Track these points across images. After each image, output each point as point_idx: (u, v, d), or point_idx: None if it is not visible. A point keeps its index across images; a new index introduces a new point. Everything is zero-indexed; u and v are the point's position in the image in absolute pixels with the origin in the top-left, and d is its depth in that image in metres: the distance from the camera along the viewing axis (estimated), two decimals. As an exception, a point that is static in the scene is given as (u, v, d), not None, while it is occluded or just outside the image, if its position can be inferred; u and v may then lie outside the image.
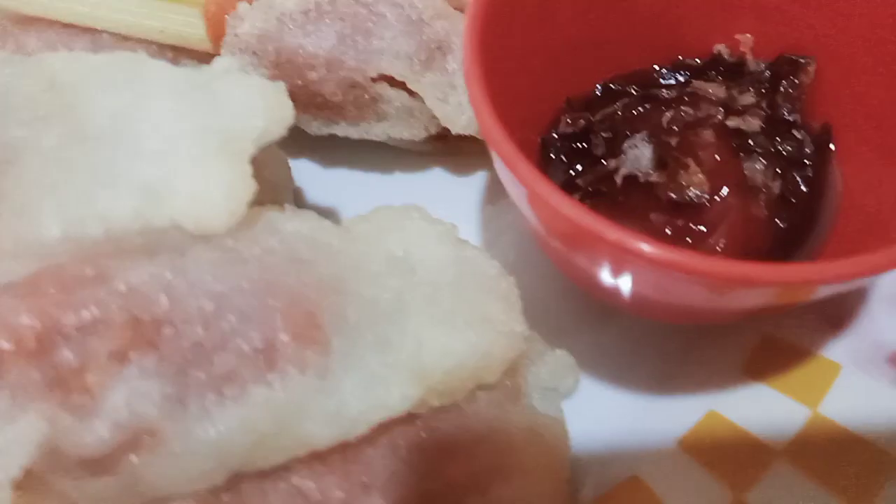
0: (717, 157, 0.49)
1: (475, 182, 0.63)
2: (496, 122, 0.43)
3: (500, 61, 0.48)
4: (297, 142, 0.61)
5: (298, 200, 0.63)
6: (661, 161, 0.48)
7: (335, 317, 0.39)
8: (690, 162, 0.48)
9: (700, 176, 0.47)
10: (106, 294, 0.36)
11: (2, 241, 0.41)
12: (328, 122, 0.59)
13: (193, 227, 0.40)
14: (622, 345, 0.54)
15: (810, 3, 0.51)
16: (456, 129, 0.57)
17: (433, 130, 0.59)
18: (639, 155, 0.49)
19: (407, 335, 0.41)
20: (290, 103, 0.45)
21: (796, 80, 0.51)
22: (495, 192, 0.63)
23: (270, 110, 0.44)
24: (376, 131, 0.59)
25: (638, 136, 0.50)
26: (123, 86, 0.44)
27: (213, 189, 0.40)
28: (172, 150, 0.41)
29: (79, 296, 0.36)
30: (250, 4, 0.56)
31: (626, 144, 0.50)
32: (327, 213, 0.61)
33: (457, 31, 0.58)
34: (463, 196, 0.63)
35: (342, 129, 0.59)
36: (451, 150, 0.63)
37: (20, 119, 0.44)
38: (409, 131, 0.59)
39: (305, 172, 0.64)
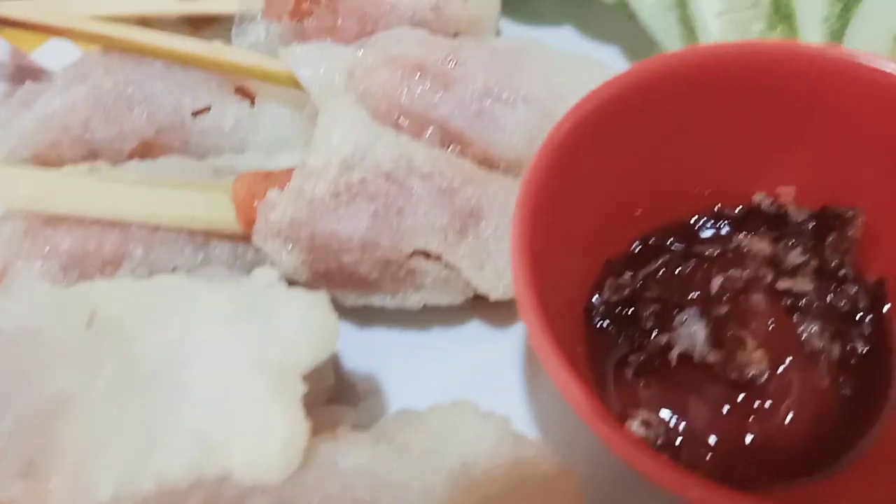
0: (771, 324, 0.48)
1: (515, 333, 0.62)
2: (542, 324, 0.42)
3: (545, 231, 0.48)
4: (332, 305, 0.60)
5: (336, 366, 0.62)
6: (717, 339, 0.47)
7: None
8: (747, 337, 0.46)
9: (758, 353, 0.46)
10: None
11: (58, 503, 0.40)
12: (364, 295, 0.58)
13: (250, 479, 0.39)
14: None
15: (853, 155, 0.50)
16: (495, 296, 0.57)
17: (470, 295, 0.58)
18: (692, 333, 0.48)
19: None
20: (335, 319, 0.45)
21: (844, 234, 0.50)
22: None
23: (318, 334, 0.43)
24: (413, 301, 0.58)
25: (689, 310, 0.49)
26: (169, 317, 0.44)
27: (269, 439, 0.39)
28: (225, 393, 0.40)
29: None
30: (281, 190, 0.55)
31: (676, 320, 0.49)
32: (367, 380, 0.61)
33: (487, 194, 0.58)
34: (503, 347, 0.62)
35: (379, 300, 0.58)
36: (489, 304, 0.62)
37: (64, 365, 0.43)
38: (447, 298, 0.58)
39: (342, 335, 0.63)
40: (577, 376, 0.40)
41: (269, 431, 0.39)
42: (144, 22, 0.86)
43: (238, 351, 0.42)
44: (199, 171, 0.66)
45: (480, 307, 0.62)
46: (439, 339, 0.63)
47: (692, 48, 0.50)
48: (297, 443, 0.39)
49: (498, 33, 0.80)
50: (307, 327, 0.43)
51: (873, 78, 0.47)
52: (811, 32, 0.66)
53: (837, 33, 0.64)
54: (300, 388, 0.41)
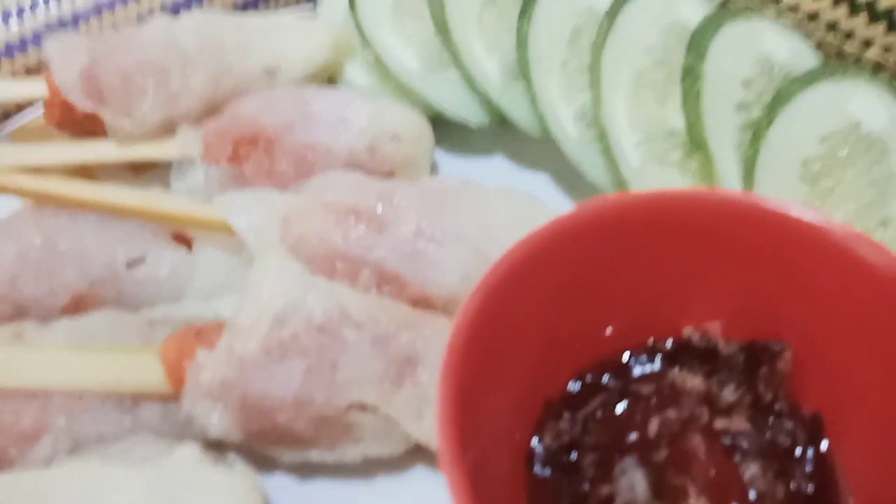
0: (712, 469, 0.47)
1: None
2: (462, 482, 0.41)
3: (478, 375, 0.48)
4: (267, 459, 0.58)
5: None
6: (658, 489, 0.46)
7: None
8: (688, 484, 0.46)
9: (701, 501, 0.45)
10: None
11: None
12: (301, 452, 0.56)
13: None
14: None
15: (774, 291, 0.51)
16: (436, 446, 0.55)
17: (412, 443, 0.57)
18: (632, 483, 0.47)
19: None
20: (260, 498, 0.43)
21: (774, 368, 0.51)
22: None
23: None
24: (353, 454, 0.57)
25: (628, 458, 0.48)
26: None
27: None
28: None
29: None
30: (210, 350, 0.54)
31: (617, 468, 0.48)
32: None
33: (424, 338, 0.57)
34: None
35: (317, 456, 0.57)
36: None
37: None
38: (387, 448, 0.57)
39: (280, 490, 0.60)
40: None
41: None
42: (85, 169, 0.86)
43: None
44: (133, 324, 0.64)
45: (425, 453, 0.61)
46: (384, 487, 0.60)
47: (621, 195, 0.52)
48: None
49: (433, 168, 0.82)
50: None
51: (782, 222, 0.49)
52: (725, 159, 0.69)
53: (751, 159, 0.67)
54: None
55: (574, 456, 0.50)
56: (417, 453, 0.60)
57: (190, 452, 0.45)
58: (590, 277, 0.54)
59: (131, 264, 0.68)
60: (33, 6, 0.96)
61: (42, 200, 0.70)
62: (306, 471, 0.61)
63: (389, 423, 0.55)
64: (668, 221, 0.52)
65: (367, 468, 0.60)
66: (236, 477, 0.43)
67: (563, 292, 0.54)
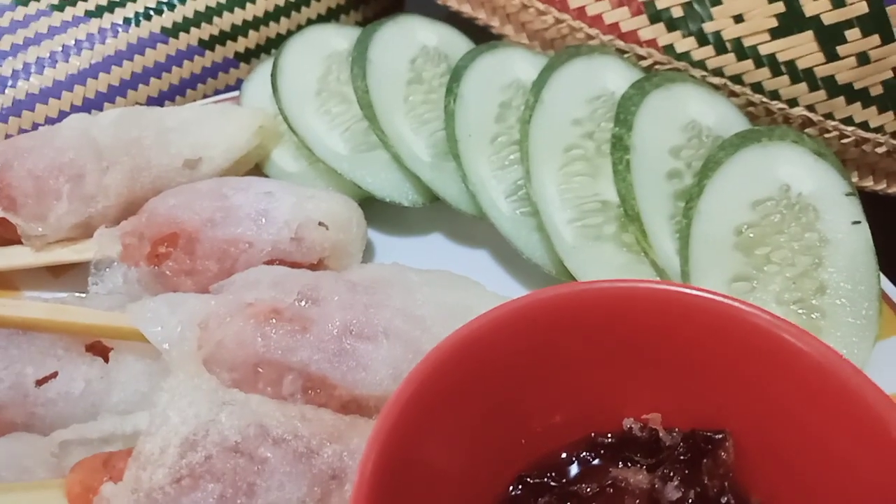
0: (659, 578, 0.44)
1: None
2: None
3: (400, 494, 0.44)
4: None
5: None
6: None
7: None
8: None
9: None
10: None
11: None
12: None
13: None
14: None
15: (711, 381, 0.49)
16: (369, 569, 0.51)
17: (345, 566, 0.53)
18: None
19: None
20: None
21: (717, 457, 0.48)
22: None
23: None
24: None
25: (570, 575, 0.44)
26: None
27: None
28: None
29: None
30: (115, 483, 0.50)
31: (559, 587, 0.44)
32: None
33: (351, 450, 0.54)
34: None
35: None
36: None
37: None
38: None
39: None
40: None
41: None
42: (2, 273, 0.82)
43: None
44: (43, 448, 0.59)
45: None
46: None
47: (552, 289, 0.50)
48: None
49: (368, 249, 0.80)
50: None
51: (713, 312, 0.47)
52: (660, 231, 0.67)
53: (685, 230, 0.66)
54: None
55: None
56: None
57: None
58: (525, 371, 0.51)
59: (42, 381, 0.64)
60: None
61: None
62: None
63: (317, 548, 0.51)
64: (598, 315, 0.50)
65: None
66: None
67: (496, 389, 0.51)
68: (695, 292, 0.48)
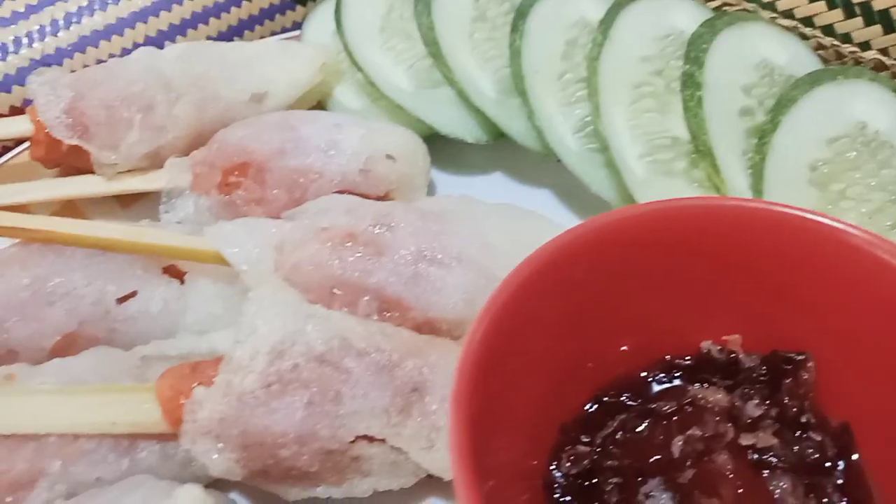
0: (740, 487, 0.45)
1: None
2: None
3: (489, 401, 0.45)
4: (272, 497, 0.55)
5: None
6: (688, 514, 0.44)
7: None
8: (717, 505, 0.43)
9: (733, 523, 0.43)
10: None
11: None
12: (308, 489, 0.54)
13: None
14: None
15: (794, 301, 0.49)
16: (450, 477, 0.53)
17: (423, 475, 0.54)
18: (660, 507, 0.44)
19: None
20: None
21: (798, 378, 0.49)
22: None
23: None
24: (362, 488, 0.54)
25: (652, 480, 0.46)
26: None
27: None
28: None
29: None
30: (207, 387, 0.52)
31: (641, 492, 0.45)
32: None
33: (430, 365, 0.55)
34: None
35: (324, 492, 0.54)
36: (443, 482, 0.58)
37: None
38: (397, 482, 0.54)
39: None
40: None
41: None
42: (72, 203, 0.84)
43: None
44: (125, 363, 0.62)
45: (437, 485, 0.58)
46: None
47: (630, 208, 0.50)
48: None
49: (430, 187, 0.80)
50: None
51: (798, 228, 0.47)
52: (732, 167, 0.67)
53: (758, 165, 0.66)
54: None
55: (595, 481, 0.48)
56: (429, 485, 0.57)
57: (191, 494, 0.42)
58: (601, 294, 0.52)
59: (122, 299, 0.66)
60: (17, 45, 0.95)
61: (28, 239, 0.67)
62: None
63: (399, 454, 0.53)
64: (679, 233, 0.50)
65: (377, 503, 0.58)
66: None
67: (574, 310, 0.52)
68: (786, 209, 0.47)
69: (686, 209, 0.50)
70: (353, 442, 0.52)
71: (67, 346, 0.64)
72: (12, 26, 0.95)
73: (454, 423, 0.41)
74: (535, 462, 0.50)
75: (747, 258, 0.49)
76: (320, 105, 0.88)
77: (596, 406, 0.52)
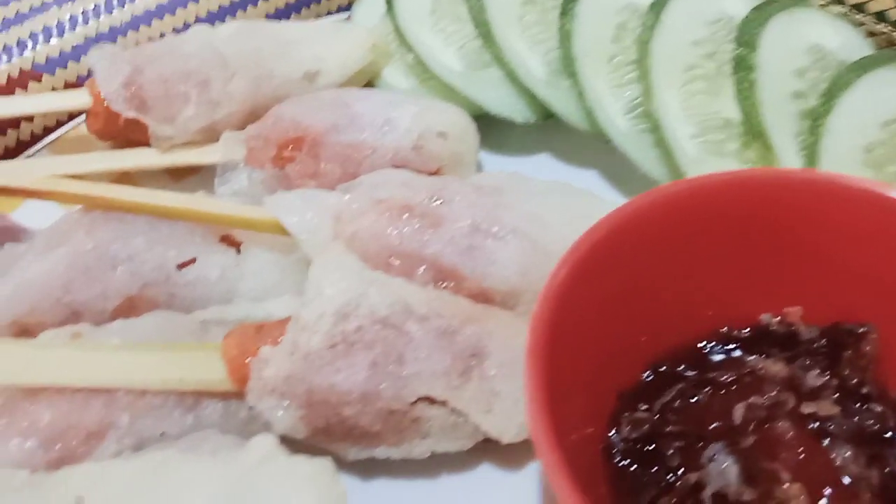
0: (802, 453, 0.45)
1: (528, 475, 0.59)
2: (560, 462, 0.40)
3: (555, 369, 0.46)
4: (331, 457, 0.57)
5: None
6: (750, 475, 0.44)
7: None
8: (780, 470, 0.44)
9: (795, 487, 0.43)
10: None
11: None
12: (367, 448, 0.55)
13: None
14: None
15: (856, 272, 0.50)
16: (507, 440, 0.54)
17: (480, 438, 0.55)
18: (723, 470, 0.45)
19: None
20: (342, 488, 0.42)
21: (859, 350, 0.49)
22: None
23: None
24: (419, 450, 0.55)
25: (715, 445, 0.46)
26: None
27: None
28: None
29: None
30: (273, 346, 0.53)
31: (703, 456, 0.46)
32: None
33: (488, 332, 0.56)
34: (517, 491, 0.58)
35: (382, 452, 0.55)
36: (499, 447, 0.59)
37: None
38: (455, 444, 0.55)
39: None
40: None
41: None
42: (125, 175, 0.86)
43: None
44: (186, 325, 0.63)
45: (490, 450, 0.59)
46: (449, 486, 0.59)
47: (686, 181, 0.51)
48: None
49: (478, 166, 0.82)
50: (312, 501, 0.40)
51: (859, 198, 0.48)
52: (785, 149, 0.68)
53: (811, 147, 0.66)
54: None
55: (654, 446, 0.49)
56: (484, 450, 0.58)
57: (266, 444, 0.43)
58: (659, 265, 0.53)
59: (182, 266, 0.67)
60: (72, 23, 0.97)
61: (92, 205, 0.69)
62: (370, 470, 0.59)
63: (457, 417, 0.54)
64: (741, 204, 0.51)
65: (432, 466, 0.59)
66: (316, 465, 0.41)
67: (632, 282, 0.53)
68: (852, 180, 0.48)
69: (748, 180, 0.50)
70: (414, 403, 0.53)
71: (129, 308, 0.66)
72: (69, 4, 0.98)
73: (531, 380, 0.42)
74: (593, 430, 0.51)
75: (811, 230, 0.50)
76: (369, 85, 0.89)
77: (653, 376, 0.53)
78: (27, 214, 0.83)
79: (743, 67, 0.70)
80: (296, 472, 0.41)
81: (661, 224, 0.52)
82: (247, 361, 0.54)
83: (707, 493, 0.45)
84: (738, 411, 0.47)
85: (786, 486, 0.43)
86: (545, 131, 0.83)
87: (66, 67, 0.97)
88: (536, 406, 0.41)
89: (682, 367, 0.53)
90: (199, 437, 0.52)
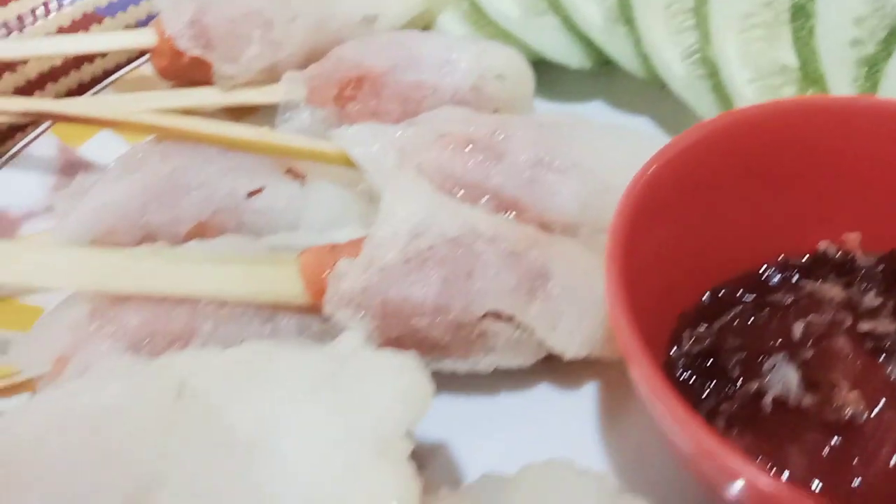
0: (859, 366, 0.47)
1: (585, 393, 0.61)
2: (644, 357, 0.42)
3: (626, 286, 0.49)
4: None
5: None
6: (810, 382, 0.47)
7: None
8: (839, 379, 0.46)
9: (855, 394, 0.46)
10: None
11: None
12: (435, 361, 0.58)
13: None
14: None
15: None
16: (569, 356, 0.56)
17: (542, 355, 0.58)
18: (783, 378, 0.47)
19: None
20: (427, 379, 0.44)
21: (917, 275, 0.51)
22: (609, 402, 0.61)
23: (412, 394, 0.43)
24: (484, 364, 0.58)
25: (777, 356, 0.48)
26: (258, 389, 0.43)
27: (382, 496, 0.38)
28: (329, 461, 0.39)
29: None
30: (351, 260, 0.56)
31: (765, 366, 0.49)
32: (438, 450, 0.60)
33: (552, 255, 0.58)
34: (575, 409, 0.61)
35: (450, 365, 0.58)
36: (556, 365, 0.61)
37: (156, 440, 0.42)
38: (518, 360, 0.58)
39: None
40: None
41: (381, 489, 0.38)
42: (186, 115, 0.89)
43: (335, 417, 0.41)
44: (255, 249, 0.66)
45: (549, 369, 0.62)
46: (508, 403, 0.61)
47: (753, 106, 0.52)
48: (410, 499, 0.38)
49: (532, 111, 0.83)
50: (401, 388, 0.43)
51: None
52: (842, 94, 0.69)
53: (868, 92, 0.67)
54: (406, 447, 0.40)
55: (715, 360, 0.51)
56: (544, 369, 0.61)
57: (354, 338, 0.46)
58: (722, 193, 0.55)
59: (251, 194, 0.70)
60: (133, -34, 1.00)
61: (165, 136, 0.72)
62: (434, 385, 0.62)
63: (522, 333, 0.56)
64: (803, 131, 0.52)
65: (493, 383, 0.62)
66: (404, 357, 0.44)
67: (695, 206, 0.55)
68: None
69: (810, 107, 0.52)
70: (482, 317, 0.55)
71: (200, 233, 0.69)
72: (131, -52, 1.00)
73: (611, 277, 0.45)
74: (656, 347, 0.53)
75: (870, 157, 0.52)
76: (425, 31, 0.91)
77: (713, 299, 0.55)
78: (93, 149, 0.86)
79: (801, 15, 0.72)
80: (386, 360, 0.44)
81: (724, 150, 0.54)
82: (324, 275, 0.56)
83: (767, 400, 0.47)
84: (797, 328, 0.49)
85: (844, 392, 0.45)
86: (600, 78, 0.84)
87: (125, 11, 1.00)
88: (617, 300, 0.43)
89: (741, 291, 0.55)
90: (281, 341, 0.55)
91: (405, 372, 0.43)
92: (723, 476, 0.41)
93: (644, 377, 0.43)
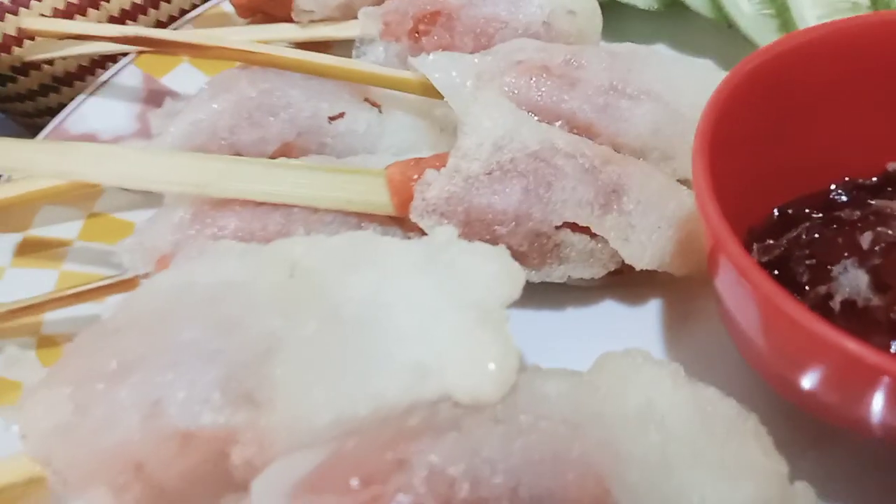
0: (928, 276, 0.50)
1: (650, 311, 0.65)
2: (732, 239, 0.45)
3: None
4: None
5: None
6: (879, 284, 0.49)
7: (619, 481, 0.40)
8: (907, 284, 0.49)
9: (921, 297, 0.48)
10: (414, 480, 0.37)
11: (279, 430, 0.42)
12: (511, 269, 0.61)
13: (469, 399, 0.41)
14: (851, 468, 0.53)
15: None
16: (640, 266, 0.59)
17: (612, 268, 0.61)
18: (852, 281, 0.50)
19: (685, 492, 0.41)
20: (517, 264, 0.48)
21: (984, 193, 0.53)
22: (672, 318, 0.64)
23: (507, 275, 0.46)
24: (557, 274, 0.61)
25: (846, 261, 0.51)
26: (365, 267, 0.47)
27: (484, 360, 0.42)
28: (433, 326, 0.43)
29: (390, 485, 0.37)
30: (437, 170, 0.59)
31: (834, 270, 0.51)
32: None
33: (627, 173, 0.61)
34: (640, 327, 0.64)
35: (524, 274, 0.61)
36: (622, 282, 0.65)
37: (273, 309, 0.46)
38: (589, 271, 0.61)
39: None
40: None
41: (482, 354, 0.42)
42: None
43: (438, 291, 0.45)
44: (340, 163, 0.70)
45: (614, 287, 0.65)
46: (576, 318, 0.65)
47: (824, 24, 0.54)
48: (510, 362, 0.42)
49: (599, 49, 0.85)
50: (496, 270, 0.46)
51: None
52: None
53: (940, 29, 0.69)
54: (504, 317, 0.44)
55: (785, 268, 0.53)
56: (611, 287, 0.64)
57: (448, 231, 0.50)
58: (793, 110, 0.57)
59: (333, 118, 0.74)
60: None
61: (250, 62, 0.76)
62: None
63: (595, 245, 0.60)
64: (871, 50, 0.54)
65: (558, 297, 0.65)
66: (492, 248, 0.48)
67: (766, 123, 0.57)
68: None
69: (881, 24, 0.53)
70: (559, 228, 0.59)
71: (284, 153, 0.73)
72: None
73: (698, 167, 0.48)
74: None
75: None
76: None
77: (781, 216, 0.58)
78: (175, 79, 0.90)
79: (874, -47, 0.73)
80: (478, 249, 0.48)
81: (799, 68, 0.55)
82: (410, 185, 0.60)
83: (837, 301, 0.50)
84: (866, 238, 0.52)
85: (912, 294, 0.48)
86: (666, 17, 0.86)
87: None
88: (705, 186, 0.46)
89: (809, 209, 0.57)
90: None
91: (498, 256, 0.47)
92: (811, 350, 0.44)
93: (732, 255, 0.45)
